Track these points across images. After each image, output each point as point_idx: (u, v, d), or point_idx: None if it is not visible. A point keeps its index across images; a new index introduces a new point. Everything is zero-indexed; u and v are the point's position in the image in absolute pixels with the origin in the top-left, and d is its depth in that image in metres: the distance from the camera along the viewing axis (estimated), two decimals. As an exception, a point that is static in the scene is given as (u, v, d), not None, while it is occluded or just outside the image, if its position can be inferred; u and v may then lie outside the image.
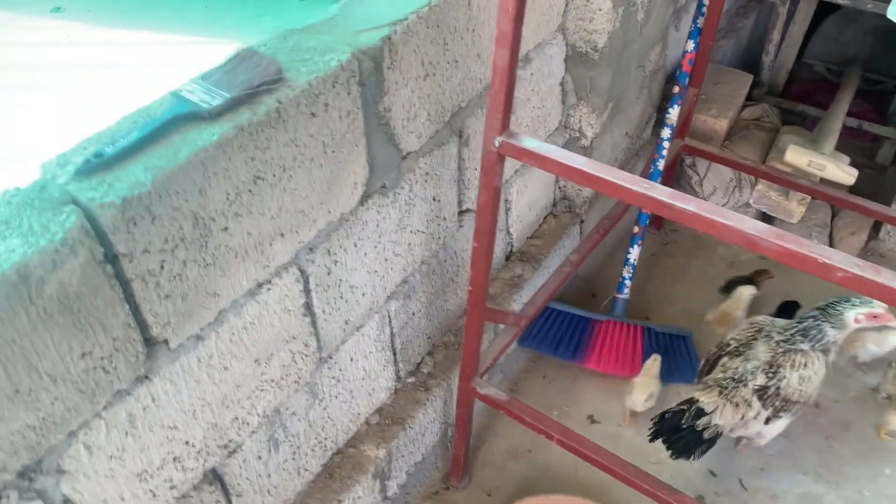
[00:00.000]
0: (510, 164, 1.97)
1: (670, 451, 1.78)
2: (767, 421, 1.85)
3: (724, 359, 1.89)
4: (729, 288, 2.36)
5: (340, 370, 1.61)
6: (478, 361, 1.71)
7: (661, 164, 2.24)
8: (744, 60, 3.25)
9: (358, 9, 1.40)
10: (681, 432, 1.76)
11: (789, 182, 2.29)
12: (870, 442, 2.09)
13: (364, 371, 1.69)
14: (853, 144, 3.06)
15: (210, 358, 1.24)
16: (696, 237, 2.73)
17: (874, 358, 2.21)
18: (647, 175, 2.25)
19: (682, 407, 1.78)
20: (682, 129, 2.42)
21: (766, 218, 2.63)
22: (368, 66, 1.31)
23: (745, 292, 2.29)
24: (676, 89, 2.20)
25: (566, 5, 1.90)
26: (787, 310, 2.27)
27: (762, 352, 1.84)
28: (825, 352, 1.84)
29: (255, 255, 1.24)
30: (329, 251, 1.41)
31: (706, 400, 1.78)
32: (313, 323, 1.45)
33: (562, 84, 2.04)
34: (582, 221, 2.31)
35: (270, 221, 1.24)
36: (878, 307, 1.80)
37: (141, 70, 3.79)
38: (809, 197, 2.46)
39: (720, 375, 1.84)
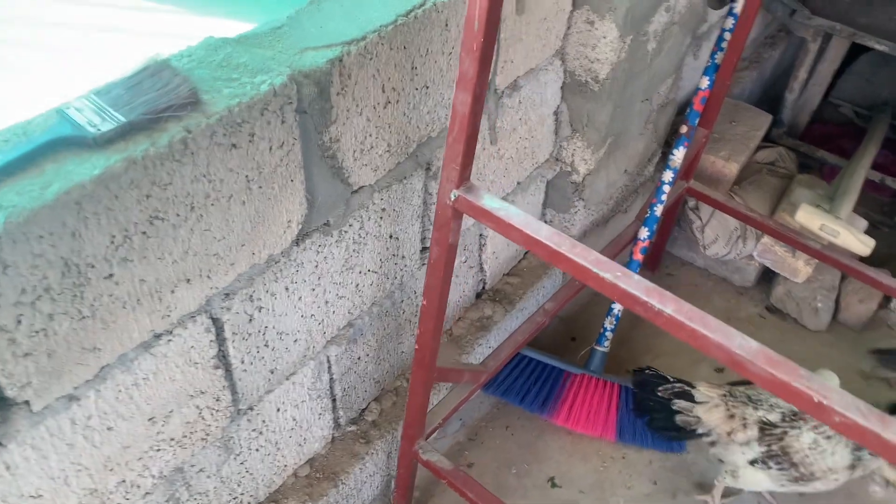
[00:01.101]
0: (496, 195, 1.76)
1: (634, 408, 1.82)
2: (753, 463, 1.72)
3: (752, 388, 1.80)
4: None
5: (263, 422, 1.42)
6: (423, 423, 1.52)
7: (658, 210, 2.03)
8: (765, 94, 3.03)
9: (311, 20, 1.20)
10: (653, 396, 1.75)
11: (796, 242, 2.08)
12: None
13: (294, 421, 1.50)
14: (872, 199, 2.84)
15: (88, 419, 1.06)
16: (692, 285, 2.53)
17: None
18: (642, 219, 2.05)
19: (668, 376, 1.76)
20: (688, 170, 2.21)
21: (769, 273, 2.42)
22: (310, 92, 1.11)
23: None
24: (684, 129, 1.98)
25: (567, 28, 1.69)
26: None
27: (805, 437, 1.69)
28: (856, 458, 1.67)
29: (150, 304, 1.04)
30: (251, 297, 1.22)
31: (703, 390, 1.75)
32: (228, 375, 1.26)
33: (556, 114, 1.83)
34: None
35: (173, 266, 1.05)
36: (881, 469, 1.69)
37: (137, 38, 3.59)
38: (818, 257, 2.25)
39: (741, 387, 1.78)
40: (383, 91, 1.25)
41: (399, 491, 1.67)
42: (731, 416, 1.73)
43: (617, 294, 0.99)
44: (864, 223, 2.20)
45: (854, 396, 0.87)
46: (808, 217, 2.04)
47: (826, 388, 0.87)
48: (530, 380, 2.04)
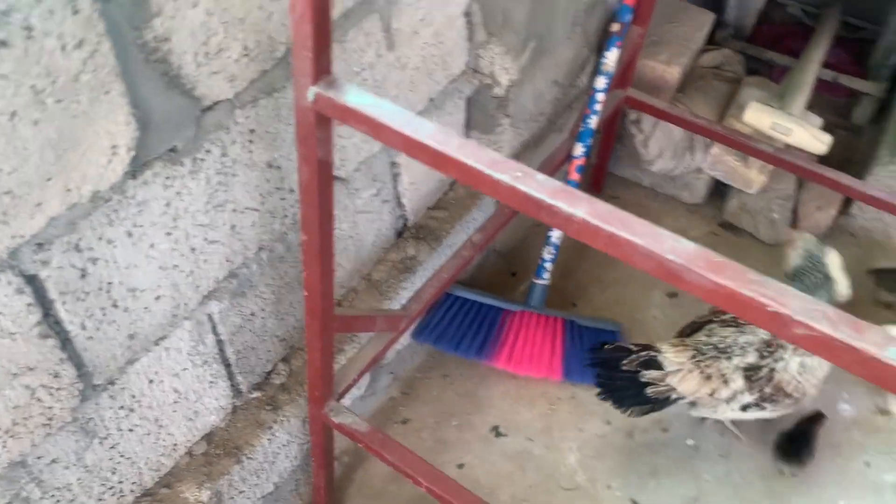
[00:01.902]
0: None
1: (598, 389, 1.57)
2: (746, 409, 1.60)
3: (714, 325, 1.63)
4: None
5: (133, 397, 1.19)
6: (330, 383, 1.30)
7: (592, 122, 1.81)
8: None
9: None
10: (618, 373, 1.54)
11: (748, 147, 1.89)
12: (825, 465, 1.75)
13: (177, 393, 1.27)
14: (826, 100, 2.64)
15: None
16: (639, 206, 2.32)
17: None
18: (576, 134, 1.83)
19: (629, 346, 1.55)
20: (625, 77, 1.98)
21: (720, 187, 2.23)
22: (113, -29, 0.86)
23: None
24: (616, 28, 1.75)
25: None
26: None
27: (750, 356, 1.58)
28: None
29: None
30: (78, 246, 0.97)
31: (671, 356, 1.54)
32: (65, 345, 1.02)
33: (467, 14, 1.58)
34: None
35: (-59, 210, 0.80)
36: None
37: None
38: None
39: (703, 338, 1.60)
40: (225, -25, 0.99)
41: (316, 460, 1.47)
42: (709, 378, 1.56)
43: (517, 199, 0.77)
44: (818, 120, 2.01)
45: (818, 301, 0.66)
46: (757, 115, 1.84)
47: (782, 291, 0.67)
48: (465, 322, 1.83)
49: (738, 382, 1.56)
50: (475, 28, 1.62)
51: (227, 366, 1.37)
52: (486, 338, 1.84)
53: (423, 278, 1.69)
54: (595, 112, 1.80)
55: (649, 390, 1.54)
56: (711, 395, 1.57)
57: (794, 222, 2.19)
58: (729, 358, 1.57)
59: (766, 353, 1.57)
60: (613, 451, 1.77)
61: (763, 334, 1.59)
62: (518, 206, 0.78)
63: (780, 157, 1.85)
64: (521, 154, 1.93)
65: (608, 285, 2.10)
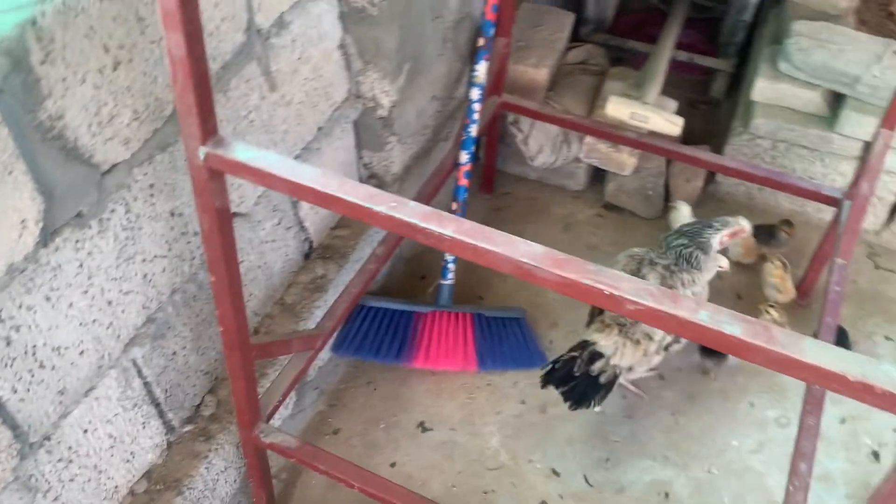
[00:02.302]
0: (294, 145, 1.63)
1: (567, 403, 1.70)
2: (667, 348, 1.80)
3: None
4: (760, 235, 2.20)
5: (70, 448, 1.26)
6: (257, 407, 1.40)
7: (473, 130, 1.96)
8: (570, -5, 2.99)
9: (-11, -20, 1.00)
10: (574, 380, 1.69)
11: (615, 136, 2.08)
12: (715, 411, 1.96)
13: (112, 438, 1.35)
14: (687, 79, 2.89)
15: None
16: (529, 198, 2.50)
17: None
18: (460, 143, 1.97)
19: (573, 354, 1.70)
20: (497, 84, 2.15)
21: (599, 172, 2.42)
22: (3, 65, 0.93)
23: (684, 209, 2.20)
24: (481, 42, 1.90)
25: (329, -48, 1.55)
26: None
27: (652, 279, 1.78)
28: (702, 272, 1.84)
29: None
30: None
31: (604, 342, 1.71)
32: (-1, 410, 1.09)
33: (342, 47, 1.70)
34: (394, 201, 2.00)
35: None
36: (735, 224, 1.82)
37: None
38: (641, 146, 2.26)
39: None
40: (107, 51, 1.08)
41: (254, 481, 1.56)
42: (638, 342, 1.73)
43: (394, 225, 0.90)
44: (673, 104, 2.22)
45: (643, 281, 0.82)
46: (616, 108, 2.03)
47: (615, 277, 0.82)
48: (380, 330, 1.95)
49: (659, 333, 1.74)
50: (351, 58, 1.74)
51: (157, 405, 1.44)
52: (403, 341, 1.96)
53: (334, 295, 1.80)
54: (474, 121, 1.95)
55: (602, 379, 1.70)
56: (644, 354, 1.75)
57: (668, 196, 2.41)
58: None
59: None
60: (530, 427, 1.93)
61: (654, 282, 1.77)
62: (397, 231, 0.91)
63: (644, 142, 2.04)
64: (413, 166, 2.06)
65: (508, 276, 2.26)
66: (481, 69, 1.91)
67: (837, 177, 2.25)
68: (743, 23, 2.62)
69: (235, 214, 1.52)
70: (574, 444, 1.90)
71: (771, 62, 2.23)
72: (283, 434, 1.43)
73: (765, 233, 2.26)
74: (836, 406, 1.96)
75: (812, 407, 1.48)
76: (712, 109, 2.78)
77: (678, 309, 0.80)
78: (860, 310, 2.18)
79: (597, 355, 1.70)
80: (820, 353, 0.76)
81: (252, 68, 1.42)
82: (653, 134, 2.13)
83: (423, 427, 1.93)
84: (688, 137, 2.58)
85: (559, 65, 2.43)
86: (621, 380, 1.91)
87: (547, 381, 1.72)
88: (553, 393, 1.97)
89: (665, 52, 2.31)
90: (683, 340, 1.83)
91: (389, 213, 0.89)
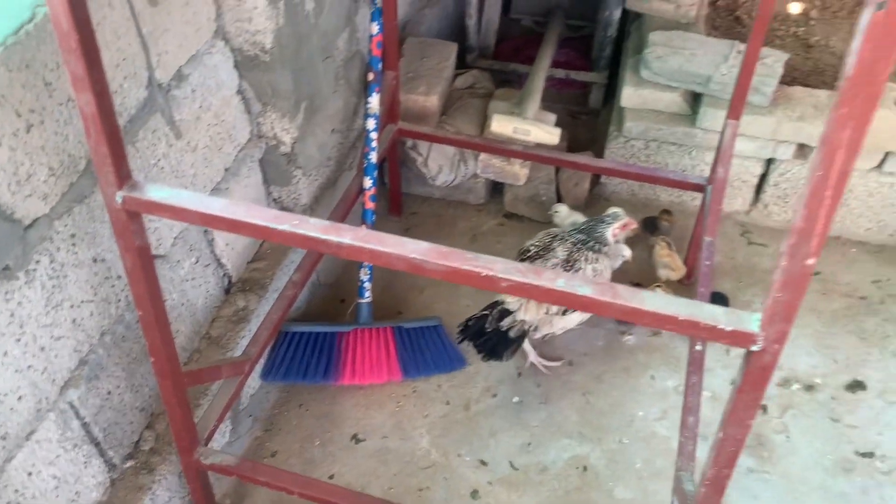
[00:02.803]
0: (203, 187, 1.74)
1: (480, 354, 1.95)
2: (565, 312, 2.00)
3: (526, 262, 2.00)
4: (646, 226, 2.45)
5: (17, 491, 1.32)
6: (193, 432, 1.49)
7: (373, 157, 2.11)
8: (454, 26, 3.21)
9: None
10: (487, 335, 1.91)
11: (504, 150, 2.27)
12: (621, 387, 2.15)
13: (56, 479, 1.41)
14: (568, 94, 3.14)
15: None
16: (436, 216, 2.66)
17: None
18: (362, 170, 2.13)
19: (484, 312, 1.94)
20: (392, 113, 2.31)
21: (496, 185, 2.61)
22: (-76, 136, 1.03)
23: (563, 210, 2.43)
24: (371, 76, 2.07)
25: (219, 8, 1.68)
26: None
27: (560, 251, 2.03)
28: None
29: None
30: (-60, 369, 1.12)
31: (510, 300, 1.93)
32: (-54, 458, 1.16)
33: (241, 92, 1.83)
34: (306, 231, 2.13)
35: None
36: (624, 218, 2.10)
37: None
38: (530, 157, 2.47)
39: None
40: (18, 115, 1.18)
41: (199, 504, 1.64)
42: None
43: (299, 241, 1.03)
44: (552, 117, 2.44)
45: (511, 262, 0.98)
46: (500, 124, 2.22)
47: (489, 262, 0.98)
48: (306, 353, 2.07)
49: None
50: (250, 102, 1.87)
51: (97, 444, 1.52)
52: (328, 361, 2.08)
53: (257, 324, 1.90)
54: (373, 148, 2.11)
55: (511, 333, 1.94)
56: (547, 313, 1.97)
57: (559, 199, 2.62)
58: None
59: (568, 268, 2.00)
60: (457, 425, 2.07)
61: (561, 255, 2.02)
62: (301, 245, 1.04)
63: (531, 153, 2.24)
64: (321, 196, 2.20)
65: (423, 288, 2.42)
66: (374, 100, 2.08)
67: (705, 167, 2.51)
68: (609, 38, 2.88)
69: (155, 256, 1.62)
70: (497, 435, 2.05)
71: (634, 71, 2.48)
72: (222, 454, 1.53)
73: (649, 224, 2.50)
74: (725, 370, 2.19)
75: (694, 368, 1.68)
76: (592, 119, 3.02)
77: (541, 280, 0.96)
78: (739, 282, 2.43)
79: (505, 312, 1.93)
80: (656, 302, 0.94)
81: (157, 119, 1.53)
82: (538, 145, 2.33)
83: (356, 439, 2.05)
84: (573, 145, 2.82)
85: (449, 91, 2.62)
86: (532, 358, 2.11)
87: (462, 336, 1.98)
88: (475, 390, 2.13)
89: (541, 72, 2.53)
90: (576, 313, 2.05)
91: (292, 230, 1.03)
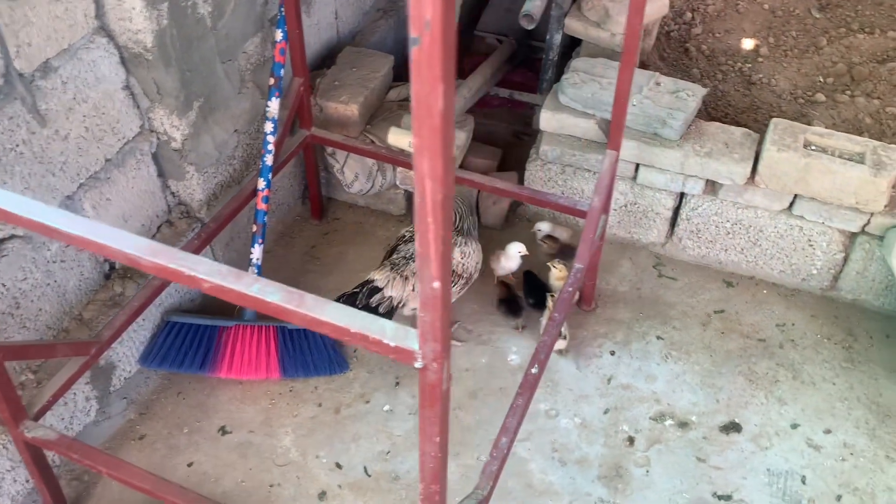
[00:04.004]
0: (77, 175, 1.82)
1: None
2: None
3: (401, 245, 2.23)
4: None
5: None
6: (17, 405, 1.57)
7: (269, 160, 2.18)
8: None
9: None
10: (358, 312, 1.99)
11: (402, 163, 2.31)
12: (493, 406, 2.17)
13: None
14: (516, 113, 3.17)
15: None
16: (357, 223, 2.72)
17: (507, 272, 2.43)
18: (258, 171, 2.19)
19: (355, 289, 2.06)
20: (305, 118, 2.38)
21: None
22: None
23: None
24: (272, 81, 2.14)
25: (99, 7, 1.77)
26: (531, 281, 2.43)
27: None
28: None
29: None
30: None
31: (379, 277, 2.09)
32: None
33: (128, 88, 1.91)
34: (203, 224, 2.20)
35: None
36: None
37: None
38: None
39: (395, 257, 2.17)
40: None
41: (34, 478, 1.72)
42: (406, 278, 2.11)
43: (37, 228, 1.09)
44: (462, 135, 2.47)
45: (217, 263, 1.03)
46: (395, 138, 2.27)
47: (195, 262, 1.03)
48: (185, 344, 2.13)
49: None
50: (138, 97, 1.95)
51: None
52: (206, 354, 2.15)
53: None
54: (269, 151, 2.17)
55: (381, 309, 2.05)
56: (413, 290, 2.08)
57: (478, 216, 2.64)
58: (415, 260, 2.07)
59: None
60: (323, 427, 2.11)
61: None
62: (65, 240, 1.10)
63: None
64: (221, 193, 2.26)
65: (326, 293, 2.44)
66: (273, 105, 2.14)
67: (619, 196, 2.51)
68: (551, 61, 2.89)
69: (13, 237, 1.71)
70: (360, 441, 2.09)
71: (554, 96, 2.50)
72: (44, 429, 1.60)
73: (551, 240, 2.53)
74: (602, 399, 2.18)
75: (523, 390, 1.69)
76: (533, 140, 3.04)
77: (239, 285, 1.01)
78: (639, 313, 2.42)
79: (375, 290, 2.06)
80: (335, 314, 0.97)
81: (16, 107, 1.62)
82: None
83: (223, 430, 2.10)
84: (506, 165, 2.84)
85: (378, 102, 2.67)
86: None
87: None
88: (349, 395, 2.17)
89: (463, 89, 2.57)
90: (453, 290, 2.16)
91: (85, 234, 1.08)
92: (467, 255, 2.24)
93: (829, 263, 2.39)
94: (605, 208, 2.08)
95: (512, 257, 2.37)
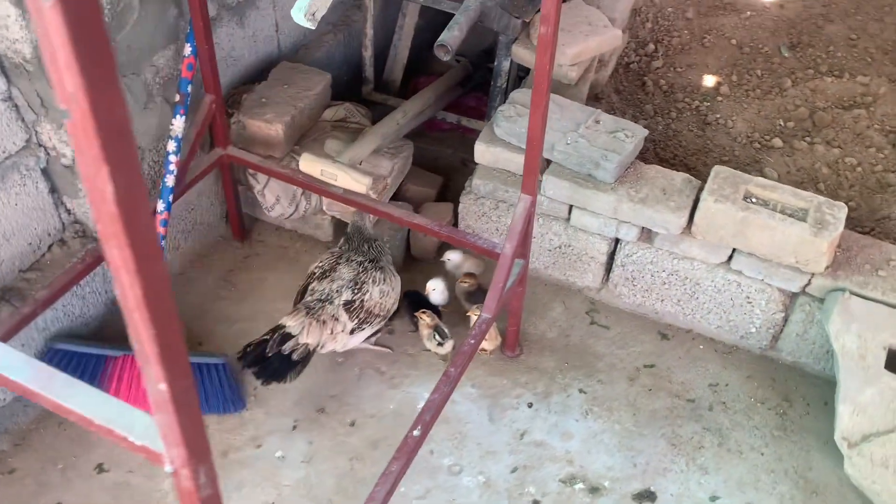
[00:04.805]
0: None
1: (260, 380, 1.91)
2: (353, 332, 2.05)
3: (313, 284, 2.09)
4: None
5: None
6: None
7: (169, 181, 2.04)
8: (358, 56, 3.13)
9: None
10: (268, 360, 1.89)
11: (322, 191, 2.18)
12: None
13: None
14: (466, 139, 3.03)
15: None
16: (281, 247, 2.58)
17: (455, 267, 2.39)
18: (157, 193, 2.06)
19: (265, 337, 1.92)
20: (220, 136, 2.25)
21: (341, 224, 2.52)
22: None
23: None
24: (177, 98, 2.01)
25: (-28, 11, 1.64)
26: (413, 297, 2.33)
27: (346, 272, 2.08)
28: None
29: None
30: None
31: (292, 323, 1.94)
32: None
33: (10, 99, 1.78)
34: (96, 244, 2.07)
35: None
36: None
37: None
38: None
39: (309, 298, 2.04)
40: None
41: None
42: (324, 322, 1.98)
43: None
44: (387, 163, 2.34)
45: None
46: (307, 164, 2.13)
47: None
48: (68, 371, 1.99)
49: (343, 316, 2.02)
50: (23, 109, 1.82)
51: None
52: (91, 383, 2.00)
53: None
54: (170, 172, 2.04)
55: (294, 356, 1.91)
56: (331, 333, 1.98)
57: (409, 248, 2.51)
58: (331, 302, 2.02)
59: (356, 290, 2.05)
60: (208, 471, 1.97)
61: (348, 276, 2.07)
62: None
63: (340, 196, 2.15)
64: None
65: (236, 322, 2.33)
66: (177, 123, 2.01)
67: (553, 237, 2.37)
68: (499, 88, 2.76)
69: None
70: (243, 489, 1.95)
71: (490, 128, 2.36)
72: None
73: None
74: (511, 456, 2.04)
75: (400, 455, 1.56)
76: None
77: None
78: (564, 363, 2.28)
79: (287, 336, 1.92)
80: (82, 401, 0.84)
81: None
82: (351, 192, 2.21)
83: (101, 468, 1.97)
84: (445, 194, 2.71)
85: (311, 121, 2.54)
86: (365, 344, 2.18)
87: (243, 363, 1.93)
88: (241, 438, 2.04)
89: (399, 114, 2.44)
90: (367, 329, 2.08)
91: None
92: (386, 294, 2.13)
93: (768, 322, 2.24)
94: (521, 254, 1.94)
95: (429, 293, 2.26)
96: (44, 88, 1.78)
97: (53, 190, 2.00)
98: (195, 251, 2.51)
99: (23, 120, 1.84)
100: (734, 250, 2.16)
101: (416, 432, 1.59)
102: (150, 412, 1.91)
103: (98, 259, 1.98)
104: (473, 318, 2.22)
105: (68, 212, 2.06)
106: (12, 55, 1.72)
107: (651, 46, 2.99)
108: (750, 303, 2.23)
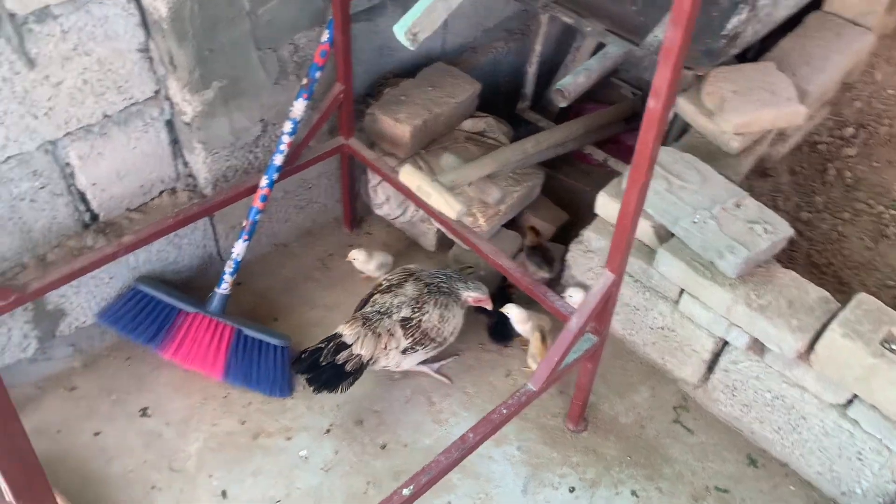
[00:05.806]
0: (64, 123, 1.80)
1: (312, 388, 1.89)
2: (405, 352, 1.99)
3: (376, 296, 2.05)
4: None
5: None
6: None
7: (278, 160, 2.06)
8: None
9: None
10: (321, 368, 1.88)
11: (421, 203, 2.10)
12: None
13: None
14: (610, 178, 2.81)
15: None
16: (384, 244, 2.54)
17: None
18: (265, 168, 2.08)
19: (320, 345, 1.90)
20: (346, 126, 2.23)
21: (445, 238, 2.43)
22: None
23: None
24: (304, 82, 2.01)
25: (123, -38, 1.72)
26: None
27: (410, 290, 2.03)
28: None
29: None
30: None
31: (348, 332, 1.91)
32: None
33: (144, 51, 1.86)
34: (203, 198, 2.13)
35: None
36: (482, 294, 2.09)
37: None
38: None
39: (368, 309, 2.01)
40: None
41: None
42: (379, 336, 1.94)
43: None
44: (497, 192, 2.20)
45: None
46: (407, 177, 2.05)
47: None
48: (143, 314, 2.09)
49: (398, 332, 1.96)
50: (156, 63, 1.90)
51: None
52: (160, 330, 2.09)
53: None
54: (280, 151, 2.05)
55: (348, 367, 1.89)
56: (385, 349, 1.94)
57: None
58: (390, 316, 1.97)
59: (416, 308, 1.99)
60: (234, 447, 1.99)
61: (411, 293, 2.01)
62: None
63: (437, 217, 2.06)
64: (232, 177, 2.18)
65: (316, 307, 2.33)
66: (298, 105, 2.02)
67: (657, 316, 2.13)
68: (655, 137, 2.51)
69: (-23, 168, 1.72)
70: (258, 477, 1.95)
71: (620, 180, 2.15)
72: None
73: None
74: None
75: (382, 510, 1.46)
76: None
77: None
78: (626, 455, 2.06)
79: (342, 346, 1.89)
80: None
81: (1, 44, 1.61)
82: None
83: (144, 412, 2.05)
84: (569, 234, 2.53)
85: (445, 128, 2.45)
86: (425, 368, 2.14)
87: (296, 369, 1.95)
88: (276, 425, 2.05)
89: (524, 144, 2.29)
90: (420, 352, 2.02)
91: None
92: (446, 320, 2.03)
93: (877, 489, 1.87)
94: (595, 331, 1.75)
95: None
96: (174, 48, 1.84)
97: (175, 141, 2.08)
98: (304, 227, 2.54)
99: (154, 72, 1.92)
100: (855, 395, 1.81)
101: (406, 491, 1.48)
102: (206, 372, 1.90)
103: (194, 215, 2.05)
104: (533, 338, 2.08)
105: (185, 164, 2.14)
106: (152, 10, 1.79)
107: (850, 130, 2.59)
108: (860, 460, 1.87)
